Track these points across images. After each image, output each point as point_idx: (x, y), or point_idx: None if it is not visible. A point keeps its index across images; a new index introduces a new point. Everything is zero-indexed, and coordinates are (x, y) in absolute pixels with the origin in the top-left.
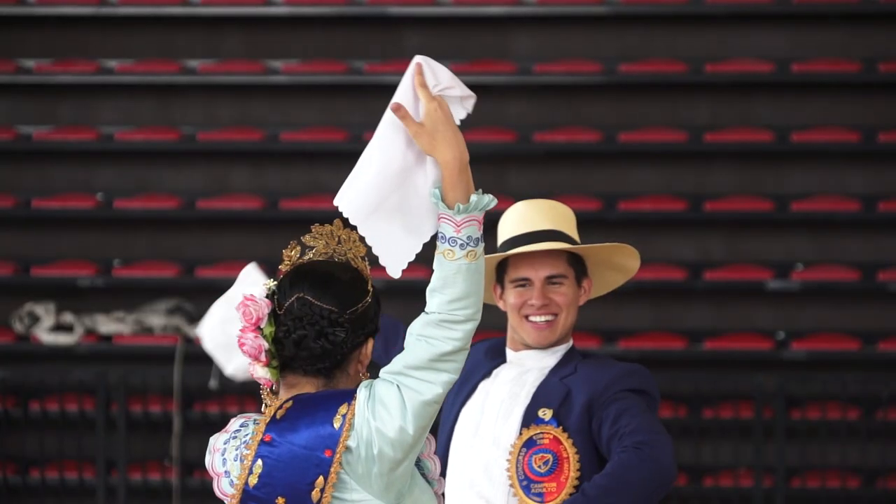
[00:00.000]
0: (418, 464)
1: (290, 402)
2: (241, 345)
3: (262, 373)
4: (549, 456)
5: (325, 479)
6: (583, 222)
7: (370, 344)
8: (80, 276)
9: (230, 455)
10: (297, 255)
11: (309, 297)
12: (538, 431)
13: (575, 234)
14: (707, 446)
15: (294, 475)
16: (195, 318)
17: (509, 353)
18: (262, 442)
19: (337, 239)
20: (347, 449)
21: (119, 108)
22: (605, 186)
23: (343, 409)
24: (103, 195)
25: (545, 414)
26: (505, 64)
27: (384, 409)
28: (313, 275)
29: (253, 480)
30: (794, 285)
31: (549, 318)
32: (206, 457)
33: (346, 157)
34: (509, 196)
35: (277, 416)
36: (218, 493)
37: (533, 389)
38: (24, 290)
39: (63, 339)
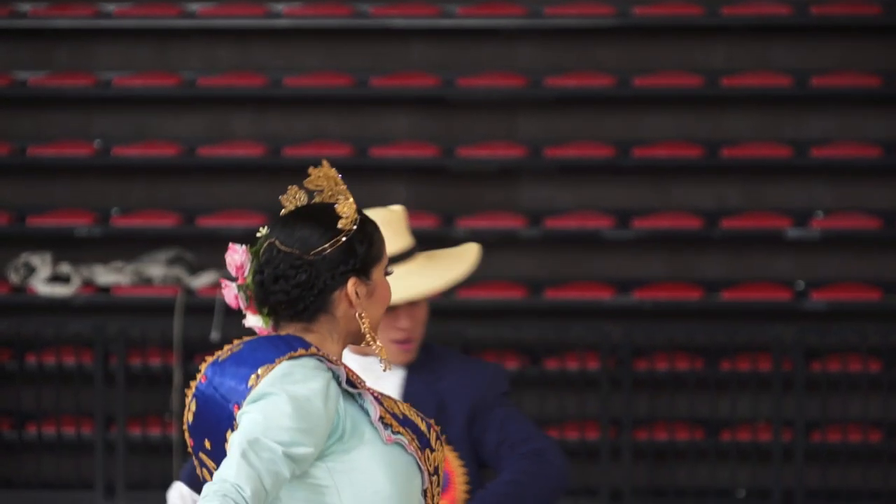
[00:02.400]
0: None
1: (241, 346)
2: (223, 295)
3: (253, 321)
4: None
5: (233, 432)
6: (596, 169)
7: (351, 283)
8: (77, 225)
9: None
10: (305, 201)
11: (276, 242)
12: None
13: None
14: (724, 400)
15: (213, 421)
16: (196, 268)
17: (354, 357)
18: (200, 380)
19: (334, 179)
20: None
21: (117, 53)
22: (618, 132)
23: (262, 370)
24: (101, 142)
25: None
26: (515, 7)
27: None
28: (284, 218)
29: (189, 417)
30: (813, 234)
31: (414, 341)
32: None
33: (350, 104)
34: (520, 143)
35: (220, 358)
36: None
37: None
38: (20, 240)
39: (60, 290)
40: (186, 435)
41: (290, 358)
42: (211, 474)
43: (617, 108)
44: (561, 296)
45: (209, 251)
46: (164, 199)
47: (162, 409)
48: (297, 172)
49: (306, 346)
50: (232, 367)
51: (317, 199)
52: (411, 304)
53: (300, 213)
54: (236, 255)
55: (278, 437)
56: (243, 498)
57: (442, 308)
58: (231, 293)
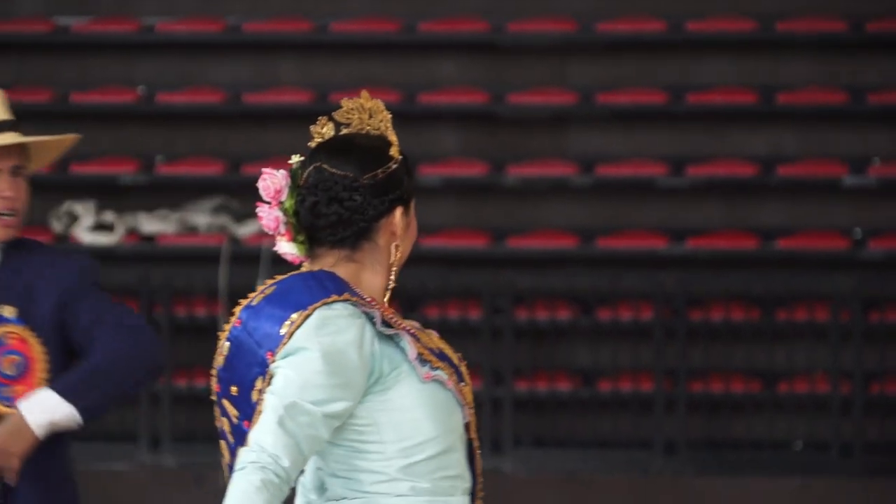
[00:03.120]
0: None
1: (273, 288)
2: (260, 218)
3: (287, 247)
4: (18, 358)
5: (263, 381)
6: (649, 116)
7: (398, 212)
8: (121, 173)
9: None
10: (332, 133)
11: (325, 166)
12: (3, 331)
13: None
14: (781, 350)
15: (243, 367)
16: (241, 216)
17: None
18: (234, 324)
19: (368, 112)
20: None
21: None
22: (671, 78)
23: (295, 316)
24: (145, 89)
25: (8, 312)
26: None
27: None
28: (331, 144)
29: (219, 361)
30: (870, 181)
31: (19, 215)
32: None
33: (398, 49)
34: (571, 89)
35: (254, 301)
36: None
37: None
38: (63, 188)
39: (104, 238)
40: (214, 380)
41: (324, 304)
42: (230, 423)
43: (670, 53)
44: (613, 244)
45: (255, 199)
46: (209, 146)
47: (208, 359)
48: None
49: (340, 288)
50: (266, 309)
51: (344, 132)
52: (15, 175)
53: (348, 140)
54: (276, 179)
55: (314, 397)
56: (282, 468)
57: (492, 257)
58: (272, 215)
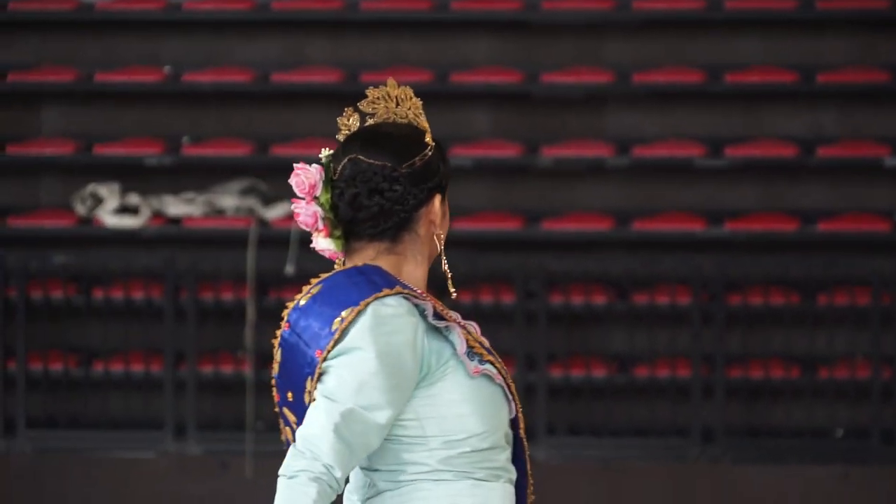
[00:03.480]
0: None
1: (319, 287)
2: (297, 216)
3: (324, 244)
4: None
5: (312, 380)
6: (686, 95)
7: (437, 200)
8: (146, 154)
9: None
10: (357, 124)
11: (361, 157)
12: None
13: None
14: (821, 335)
15: (295, 370)
16: (269, 199)
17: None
18: (283, 328)
19: (395, 100)
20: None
21: None
22: (709, 56)
23: (346, 313)
24: (171, 68)
25: None
26: None
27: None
28: (364, 134)
29: (275, 369)
30: None
31: None
32: None
33: (429, 27)
34: (607, 68)
35: (300, 302)
36: None
37: None
38: (87, 170)
39: (128, 221)
40: (274, 390)
41: (376, 299)
42: (293, 431)
43: (708, 31)
44: (650, 227)
45: (283, 181)
46: (236, 126)
47: (235, 345)
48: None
49: (389, 282)
50: (315, 308)
51: (370, 122)
52: None
53: (380, 130)
54: (309, 174)
55: (369, 400)
56: (335, 479)
57: (525, 240)
58: (310, 211)
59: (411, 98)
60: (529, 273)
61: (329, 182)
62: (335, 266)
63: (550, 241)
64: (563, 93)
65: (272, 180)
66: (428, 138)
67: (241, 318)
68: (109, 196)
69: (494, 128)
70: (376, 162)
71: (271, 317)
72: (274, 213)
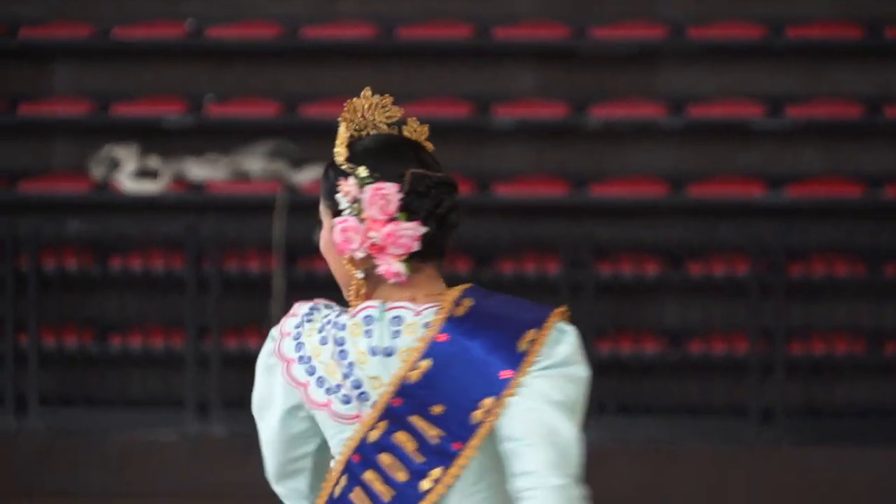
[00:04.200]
0: None
1: (472, 301)
2: (397, 239)
3: (399, 267)
4: None
5: (496, 400)
6: (745, 51)
7: None
8: (166, 114)
9: (310, 339)
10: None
11: (427, 171)
12: None
13: None
14: (888, 308)
15: (460, 386)
16: (298, 162)
17: None
18: (436, 338)
19: (368, 109)
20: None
21: None
22: (770, 11)
23: (531, 334)
24: (193, 22)
25: None
26: None
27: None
28: (408, 144)
29: (415, 376)
30: None
31: None
32: (267, 344)
33: None
34: (660, 22)
35: (458, 314)
36: (286, 378)
37: None
38: (104, 131)
39: (147, 186)
40: (390, 395)
41: (558, 319)
42: (420, 442)
43: None
44: (706, 192)
45: (313, 143)
46: (263, 85)
47: (260, 318)
48: (411, 56)
49: (544, 307)
50: (478, 326)
51: (353, 133)
52: None
53: (405, 142)
54: (393, 193)
55: (578, 421)
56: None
57: (571, 206)
58: (411, 231)
59: (389, 108)
60: (576, 242)
61: (411, 198)
62: (352, 286)
63: (599, 207)
64: (613, 49)
65: (301, 142)
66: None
67: (268, 290)
68: (127, 159)
69: (539, 86)
70: (439, 175)
71: (299, 288)
72: (303, 176)
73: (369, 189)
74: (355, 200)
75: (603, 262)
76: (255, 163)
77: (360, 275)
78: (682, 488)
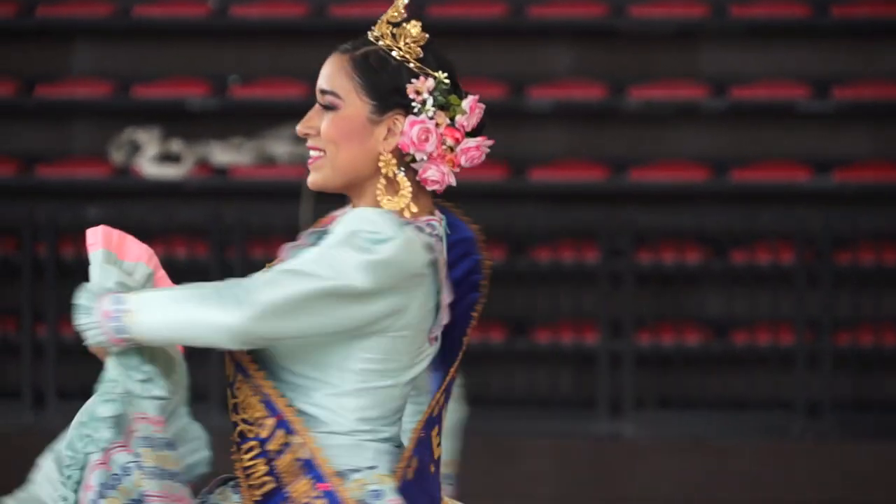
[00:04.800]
0: None
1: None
2: (476, 153)
3: (451, 178)
4: None
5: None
6: (789, 30)
7: None
8: (189, 96)
9: None
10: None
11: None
12: None
13: None
14: None
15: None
16: None
17: None
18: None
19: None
20: None
21: None
22: None
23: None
24: (217, 1)
25: None
26: None
27: None
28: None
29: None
30: None
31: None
32: (426, 252)
33: None
34: (702, 0)
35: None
36: (443, 287)
37: None
38: (124, 114)
39: (170, 171)
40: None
41: None
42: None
43: None
44: (749, 177)
45: None
46: (289, 66)
47: None
48: (442, 35)
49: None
50: None
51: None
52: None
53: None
54: (481, 109)
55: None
56: None
57: (610, 191)
58: (486, 151)
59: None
60: (615, 228)
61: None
62: (385, 189)
63: (638, 192)
64: (653, 28)
65: None
66: None
67: None
68: (149, 143)
69: (576, 67)
70: None
71: None
72: None
73: (470, 100)
74: (425, 101)
75: (643, 250)
76: (281, 146)
77: (401, 173)
78: (726, 485)
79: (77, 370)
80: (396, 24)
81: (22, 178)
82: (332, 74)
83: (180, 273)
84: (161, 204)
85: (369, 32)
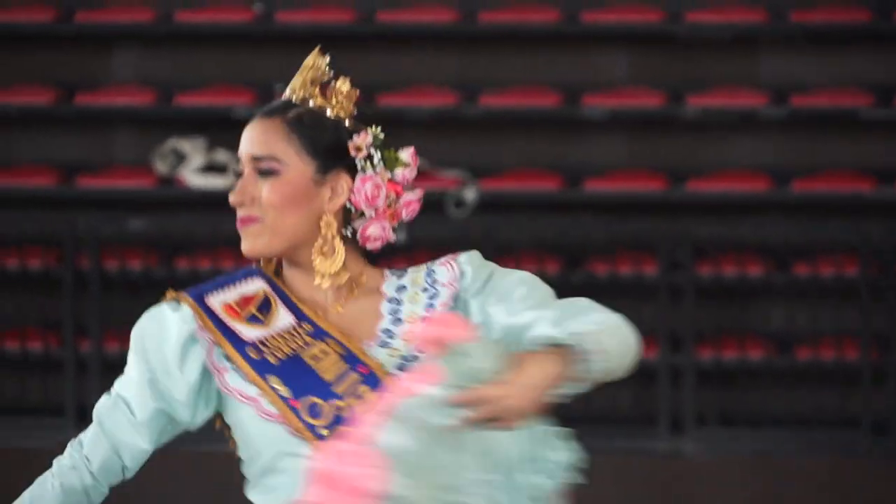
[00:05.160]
0: None
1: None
2: (415, 206)
3: (391, 234)
4: None
5: None
6: (851, 36)
7: None
8: (234, 104)
9: None
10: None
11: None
12: None
13: None
14: None
15: None
16: None
17: None
18: None
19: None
20: None
21: None
22: None
23: None
24: (262, 6)
25: None
26: None
27: None
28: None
29: None
30: None
31: None
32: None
33: None
34: (761, 5)
35: None
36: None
37: None
38: (168, 123)
39: (215, 181)
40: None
41: None
42: None
43: None
44: (811, 187)
45: (393, 133)
46: (336, 73)
47: None
48: (494, 42)
49: None
50: None
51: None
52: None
53: None
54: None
55: None
56: None
57: (669, 202)
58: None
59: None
60: (674, 241)
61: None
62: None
63: (697, 203)
64: (711, 33)
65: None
66: None
67: None
68: (193, 152)
69: (632, 74)
70: None
71: None
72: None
73: (410, 151)
74: (369, 157)
75: (703, 263)
76: None
77: (338, 235)
78: None
79: None
80: (325, 84)
81: (63, 188)
82: (265, 139)
83: None
84: (206, 215)
85: (289, 95)
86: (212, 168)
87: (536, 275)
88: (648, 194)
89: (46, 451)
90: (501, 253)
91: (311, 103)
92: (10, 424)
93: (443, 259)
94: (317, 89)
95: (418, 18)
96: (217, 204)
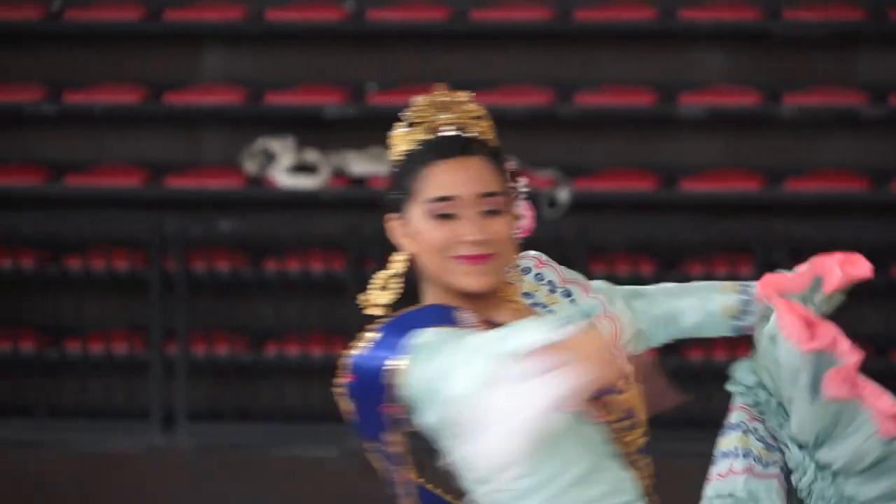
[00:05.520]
0: None
1: None
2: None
3: None
4: None
5: None
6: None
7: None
8: (325, 103)
9: None
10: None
11: None
12: None
13: None
14: None
15: None
16: None
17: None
18: None
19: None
20: None
21: None
22: None
23: None
24: (354, 4)
25: None
26: None
27: None
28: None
29: None
30: None
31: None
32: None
33: None
34: (860, 3)
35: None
36: None
37: None
38: (257, 122)
39: (305, 181)
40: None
41: None
42: None
43: None
44: None
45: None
46: (429, 71)
47: None
48: (589, 40)
49: None
50: None
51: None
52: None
53: None
54: None
55: None
56: None
57: (766, 202)
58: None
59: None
60: (771, 241)
61: None
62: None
63: (795, 203)
64: (809, 31)
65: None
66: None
67: None
68: (283, 152)
69: (729, 72)
70: None
71: None
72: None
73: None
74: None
75: (800, 264)
76: None
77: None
78: None
79: (208, 390)
80: (479, 116)
81: (150, 188)
82: (485, 177)
83: (317, 286)
84: (296, 216)
85: (466, 128)
86: (301, 168)
87: (630, 276)
88: (744, 194)
89: (131, 454)
90: (594, 253)
91: (484, 137)
92: (96, 428)
93: (517, 267)
94: (478, 120)
95: (512, 16)
96: (307, 204)
